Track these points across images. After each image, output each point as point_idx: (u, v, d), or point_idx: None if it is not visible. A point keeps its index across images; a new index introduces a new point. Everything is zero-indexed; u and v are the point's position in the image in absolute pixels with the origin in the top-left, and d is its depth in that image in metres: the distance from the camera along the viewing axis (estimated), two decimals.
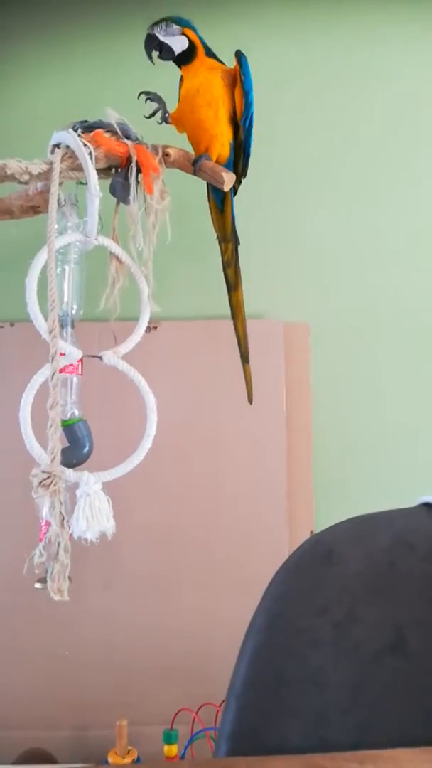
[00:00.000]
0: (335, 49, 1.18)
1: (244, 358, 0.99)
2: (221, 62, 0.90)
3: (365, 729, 0.29)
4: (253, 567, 1.04)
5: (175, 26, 0.88)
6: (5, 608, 1.02)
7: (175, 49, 0.88)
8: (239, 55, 0.88)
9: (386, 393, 1.14)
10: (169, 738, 0.92)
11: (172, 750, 0.92)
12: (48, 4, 1.16)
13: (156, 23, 0.88)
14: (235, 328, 0.98)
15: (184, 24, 0.88)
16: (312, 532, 1.07)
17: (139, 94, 0.89)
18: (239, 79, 0.88)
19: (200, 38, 0.89)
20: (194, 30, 0.89)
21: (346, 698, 0.29)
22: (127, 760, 0.92)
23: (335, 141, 1.17)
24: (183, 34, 0.88)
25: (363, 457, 1.13)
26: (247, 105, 0.88)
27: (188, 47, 0.88)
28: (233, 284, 0.97)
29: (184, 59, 0.89)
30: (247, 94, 0.88)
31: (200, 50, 0.89)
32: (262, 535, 1.05)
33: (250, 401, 1.00)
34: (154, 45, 0.88)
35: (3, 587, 1.02)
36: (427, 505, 0.36)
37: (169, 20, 0.88)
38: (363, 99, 1.17)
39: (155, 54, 0.88)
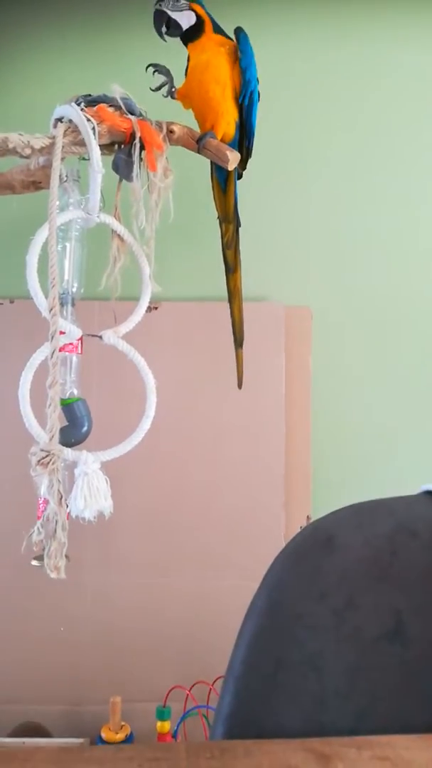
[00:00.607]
0: (339, 35, 1.16)
1: (238, 343, 0.98)
2: (230, 38, 0.88)
3: (363, 715, 0.29)
4: (248, 550, 1.04)
5: (182, 0, 0.86)
6: (2, 584, 1.03)
7: (182, 25, 0.86)
8: (238, 32, 0.87)
9: (388, 379, 1.14)
10: (162, 715, 0.93)
11: (165, 726, 0.93)
12: None
13: None
14: (231, 312, 0.97)
15: None
16: (309, 517, 1.07)
17: (147, 66, 0.87)
18: (237, 56, 0.86)
19: (208, 13, 0.87)
20: (201, 4, 0.87)
21: (344, 684, 0.29)
22: (120, 735, 0.93)
23: (340, 124, 1.15)
24: (191, 8, 0.86)
25: (362, 443, 1.13)
26: (245, 83, 0.86)
27: (196, 22, 0.86)
28: (232, 266, 0.95)
29: (191, 35, 0.87)
30: (244, 71, 0.86)
31: (208, 25, 0.87)
32: (259, 518, 1.05)
33: (240, 386, 0.99)
34: (163, 20, 0.86)
35: (2, 563, 1.03)
36: (429, 492, 0.36)
37: None
38: (366, 84, 1.15)
39: (163, 30, 0.86)
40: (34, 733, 1.00)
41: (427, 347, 1.14)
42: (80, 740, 0.98)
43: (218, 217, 0.95)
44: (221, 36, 0.88)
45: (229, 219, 0.94)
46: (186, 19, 0.86)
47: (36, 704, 1.02)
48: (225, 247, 0.95)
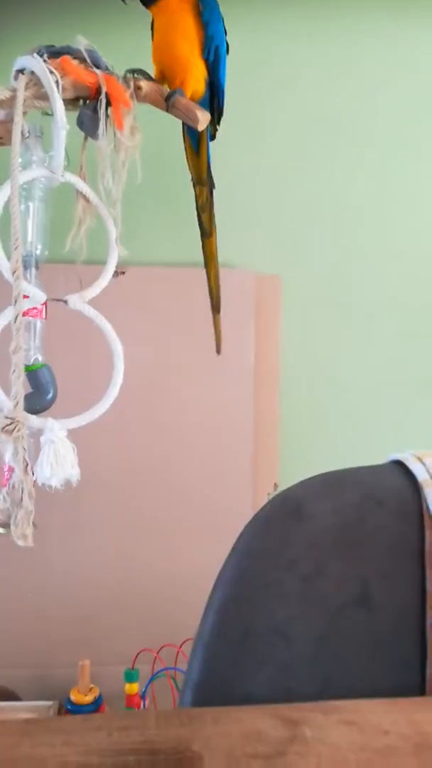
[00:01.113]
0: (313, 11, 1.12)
1: (215, 309, 0.97)
2: None
3: (330, 680, 0.30)
4: (216, 516, 1.05)
5: None
6: None
7: None
8: None
9: (356, 350, 1.14)
10: (130, 677, 0.95)
11: (133, 688, 0.95)
12: None
13: None
14: (208, 277, 0.95)
15: None
16: (275, 484, 1.08)
17: (125, 73, 0.81)
18: (198, 10, 0.82)
19: None
20: None
21: (311, 650, 0.30)
22: (89, 697, 0.95)
23: (318, 89, 1.13)
24: None
25: (330, 413, 1.14)
26: (208, 38, 0.83)
27: None
28: (208, 231, 0.94)
29: None
30: (206, 25, 0.82)
31: None
32: (227, 487, 1.06)
33: (218, 351, 0.99)
34: None
35: None
36: (396, 462, 0.36)
37: None
38: (344, 53, 1.13)
39: None
40: (2, 697, 1.01)
41: (399, 317, 1.15)
42: (49, 703, 0.99)
43: (191, 180, 0.92)
44: None
45: (203, 181, 0.92)
46: None
47: (4, 669, 1.03)
48: (200, 211, 0.93)
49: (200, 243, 0.95)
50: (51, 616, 1.04)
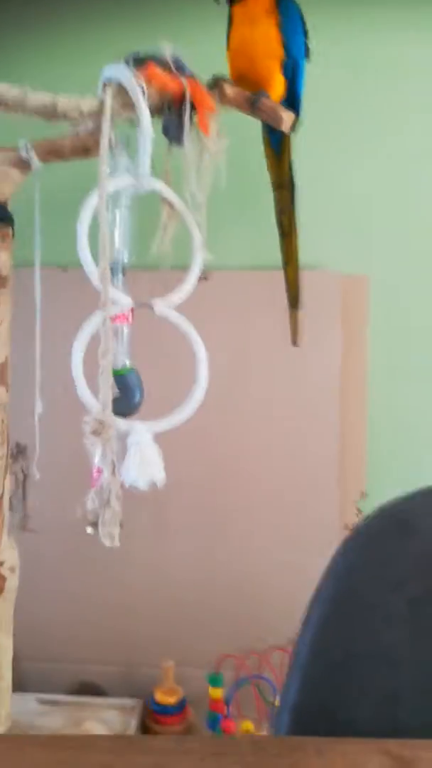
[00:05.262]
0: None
1: (292, 304, 0.95)
2: None
3: None
4: (301, 523, 1.03)
5: None
6: (60, 549, 1.05)
7: None
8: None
9: None
10: (215, 681, 0.95)
11: (218, 693, 0.95)
12: None
13: None
14: (285, 274, 0.94)
15: None
16: (363, 492, 1.05)
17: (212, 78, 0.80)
18: (278, 25, 0.80)
19: None
20: None
21: (421, 679, 0.28)
22: (173, 699, 0.95)
23: (399, 83, 1.08)
24: None
25: (421, 419, 1.09)
26: (288, 55, 0.82)
27: None
28: (287, 231, 0.92)
29: None
30: (285, 44, 0.81)
31: None
32: (312, 489, 1.04)
33: (295, 343, 0.96)
34: None
35: (58, 529, 1.05)
36: None
37: None
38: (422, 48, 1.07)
39: None
40: (91, 692, 1.04)
41: None
42: (134, 701, 1.00)
43: (272, 183, 0.91)
44: None
45: (284, 184, 0.90)
46: None
47: (92, 664, 1.06)
48: (280, 213, 0.92)
49: (279, 243, 0.93)
50: (136, 614, 1.06)
